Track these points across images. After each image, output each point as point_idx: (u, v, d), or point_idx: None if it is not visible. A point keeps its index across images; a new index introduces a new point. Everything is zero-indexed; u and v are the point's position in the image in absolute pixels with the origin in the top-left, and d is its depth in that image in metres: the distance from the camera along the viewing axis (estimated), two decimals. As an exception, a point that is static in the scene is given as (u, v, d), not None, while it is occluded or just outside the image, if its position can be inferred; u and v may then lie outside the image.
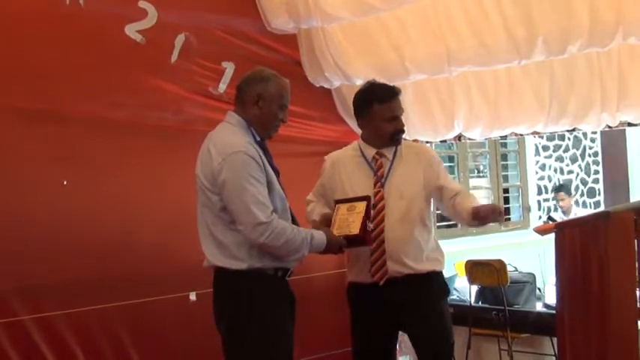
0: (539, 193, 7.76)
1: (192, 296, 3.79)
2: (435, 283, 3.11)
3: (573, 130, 4.07)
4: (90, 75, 3.52)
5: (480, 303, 4.69)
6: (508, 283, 4.47)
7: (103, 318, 3.52)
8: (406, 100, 3.65)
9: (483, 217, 2.93)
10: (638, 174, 8.11)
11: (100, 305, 3.49)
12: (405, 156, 3.14)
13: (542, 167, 7.99)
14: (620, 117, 3.76)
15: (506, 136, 4.45)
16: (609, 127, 3.86)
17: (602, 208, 7.79)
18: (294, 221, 2.81)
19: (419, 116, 4.39)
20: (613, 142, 7.81)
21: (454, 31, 3.71)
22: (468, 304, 4.60)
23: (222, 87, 4.01)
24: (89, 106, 3.53)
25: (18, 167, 3.32)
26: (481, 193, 7.10)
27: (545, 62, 3.73)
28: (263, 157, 2.70)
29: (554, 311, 3.49)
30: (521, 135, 4.46)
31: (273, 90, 2.76)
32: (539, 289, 4.72)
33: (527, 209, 7.52)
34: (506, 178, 7.44)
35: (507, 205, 7.48)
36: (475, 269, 4.60)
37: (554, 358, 4.21)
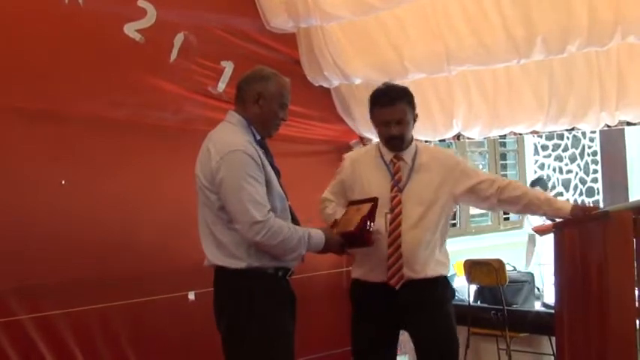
0: (539, 192, 7.76)
1: (191, 296, 3.79)
2: (441, 285, 3.10)
3: (572, 129, 4.06)
4: (89, 74, 3.52)
5: (478, 302, 4.68)
6: (507, 283, 4.47)
7: (103, 317, 3.52)
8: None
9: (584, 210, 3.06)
10: (637, 173, 8.12)
11: (100, 304, 3.49)
12: (424, 161, 3.09)
13: (542, 166, 8.00)
14: (619, 116, 3.76)
15: (505, 135, 4.43)
16: (608, 126, 3.85)
17: (601, 207, 7.79)
18: (294, 220, 2.81)
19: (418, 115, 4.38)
20: (612, 141, 7.82)
21: (453, 30, 3.71)
22: (467, 303, 4.59)
23: (222, 86, 4.01)
24: (89, 105, 3.53)
25: (18, 167, 3.32)
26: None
27: (544, 61, 3.72)
28: (262, 156, 2.70)
29: (552, 311, 3.49)
30: (520, 134, 4.45)
31: (273, 89, 2.76)
32: (537, 288, 4.73)
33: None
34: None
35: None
36: (474, 269, 4.60)
37: (552, 357, 4.22)
